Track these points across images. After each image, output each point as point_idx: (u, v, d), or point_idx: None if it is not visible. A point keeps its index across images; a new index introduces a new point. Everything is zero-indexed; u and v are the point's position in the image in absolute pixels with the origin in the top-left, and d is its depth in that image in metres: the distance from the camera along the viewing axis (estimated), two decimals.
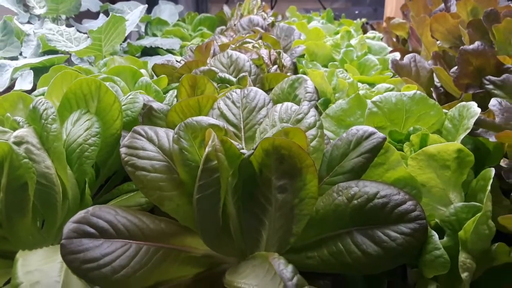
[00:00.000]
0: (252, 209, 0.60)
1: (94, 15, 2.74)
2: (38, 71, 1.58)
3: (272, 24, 2.00)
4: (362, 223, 0.61)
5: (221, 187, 0.58)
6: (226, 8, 2.44)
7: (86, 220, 0.56)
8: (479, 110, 0.66)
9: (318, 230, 0.64)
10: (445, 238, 0.61)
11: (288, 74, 1.19)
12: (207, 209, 0.59)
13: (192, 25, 2.43)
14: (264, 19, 1.96)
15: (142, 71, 1.33)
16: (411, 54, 1.03)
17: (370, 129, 0.67)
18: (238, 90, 0.78)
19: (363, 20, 2.18)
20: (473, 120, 0.65)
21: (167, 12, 2.63)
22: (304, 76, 0.97)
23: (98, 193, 0.90)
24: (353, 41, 1.48)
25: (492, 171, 0.60)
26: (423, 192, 0.64)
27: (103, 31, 1.56)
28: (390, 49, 1.48)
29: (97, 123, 0.79)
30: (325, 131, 0.87)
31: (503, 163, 0.73)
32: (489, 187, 0.57)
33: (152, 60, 1.70)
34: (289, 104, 0.73)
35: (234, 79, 0.96)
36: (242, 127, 0.74)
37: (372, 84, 1.10)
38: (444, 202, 0.64)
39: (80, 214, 0.56)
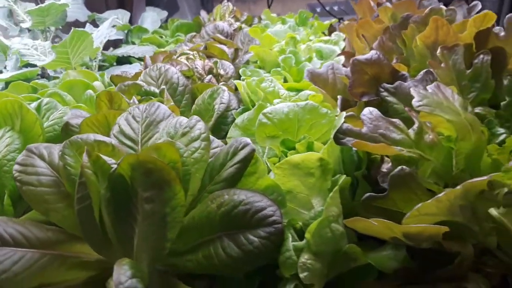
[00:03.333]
0: (126, 218, 0.66)
1: (83, 25, 2.84)
2: None
3: (240, 29, 2.05)
4: (229, 228, 0.67)
5: (92, 200, 0.64)
6: (203, 13, 2.50)
7: None
8: (342, 121, 0.70)
9: (195, 236, 0.70)
10: (304, 240, 0.66)
11: (227, 83, 1.24)
12: (86, 219, 0.66)
13: (170, 31, 2.51)
14: (231, 24, 2.01)
15: (97, 83, 1.41)
16: (329, 62, 1.08)
17: (246, 140, 0.73)
18: (142, 105, 0.85)
19: (334, 20, 2.21)
20: (335, 130, 0.69)
21: (149, 19, 2.71)
22: (223, 87, 1.03)
23: None
24: (303, 46, 1.52)
25: (341, 178, 0.65)
26: (289, 198, 0.69)
27: (68, 45, 1.64)
28: (338, 52, 1.52)
29: (18, 140, 0.86)
30: None
31: (384, 167, 0.78)
32: (331, 193, 0.62)
33: (118, 70, 1.79)
34: (181, 118, 0.79)
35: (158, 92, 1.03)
36: (140, 141, 0.80)
37: (301, 91, 1.14)
38: (308, 207, 0.69)
39: None
